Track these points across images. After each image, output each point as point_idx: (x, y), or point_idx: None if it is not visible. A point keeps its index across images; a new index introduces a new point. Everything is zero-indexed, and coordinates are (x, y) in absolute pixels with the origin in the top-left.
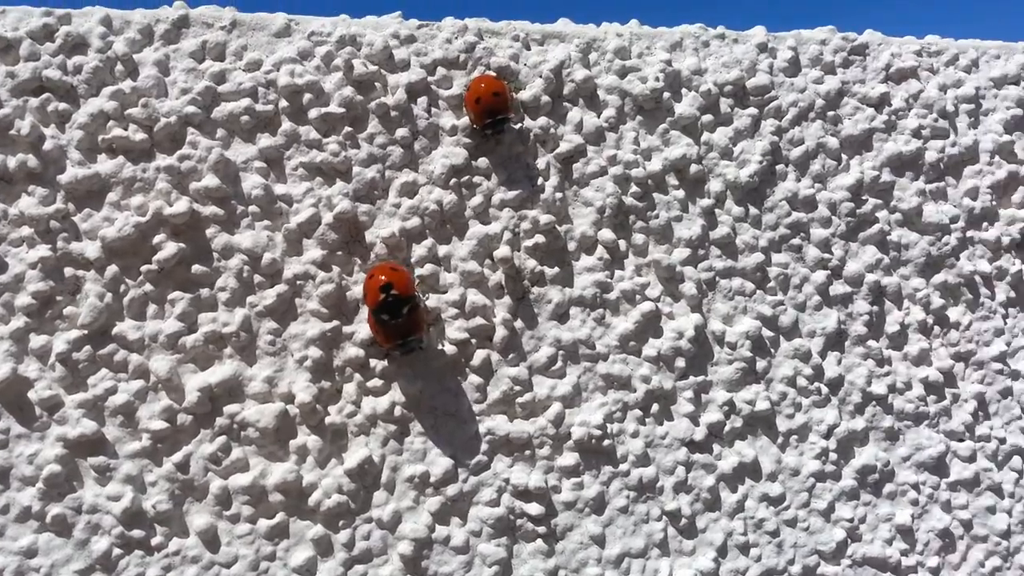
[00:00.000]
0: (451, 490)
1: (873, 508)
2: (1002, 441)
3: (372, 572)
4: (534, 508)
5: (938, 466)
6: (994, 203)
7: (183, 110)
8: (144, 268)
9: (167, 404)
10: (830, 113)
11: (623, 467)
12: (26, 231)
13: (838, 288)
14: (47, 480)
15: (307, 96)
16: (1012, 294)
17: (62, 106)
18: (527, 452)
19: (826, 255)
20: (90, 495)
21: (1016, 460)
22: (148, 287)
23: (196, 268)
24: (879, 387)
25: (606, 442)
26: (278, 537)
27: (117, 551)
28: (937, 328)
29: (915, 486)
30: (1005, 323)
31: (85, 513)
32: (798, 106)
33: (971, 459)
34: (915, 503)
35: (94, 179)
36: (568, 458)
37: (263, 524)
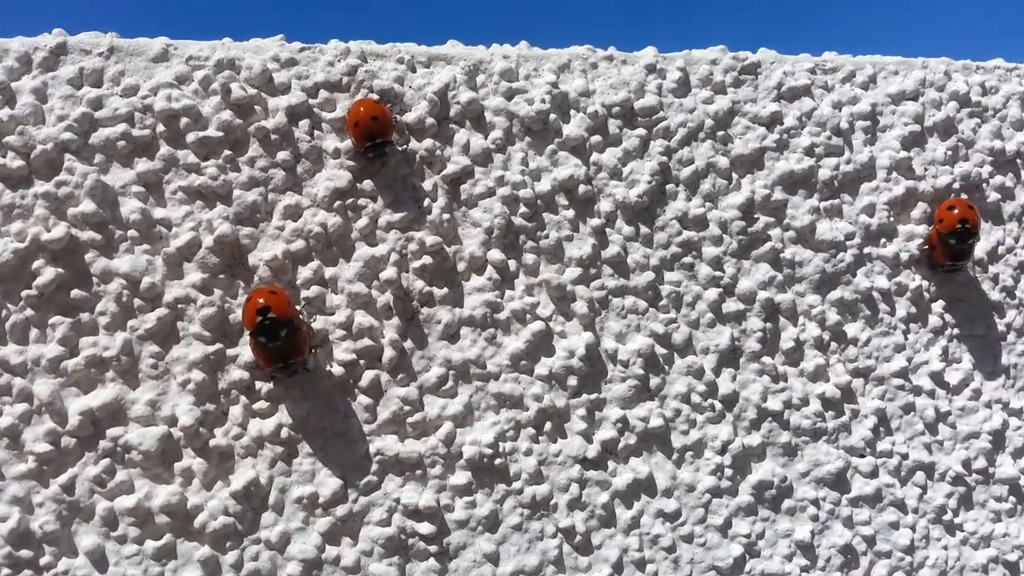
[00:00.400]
0: (341, 510)
1: (772, 524)
2: (904, 456)
3: None
4: (426, 527)
5: (838, 482)
6: (892, 219)
7: (60, 137)
8: (24, 293)
9: (51, 427)
10: (720, 133)
11: (516, 485)
12: None
13: (731, 305)
14: None
15: (184, 120)
16: (913, 309)
17: None
18: (418, 472)
19: (718, 273)
20: None
21: (919, 475)
22: (29, 312)
23: (76, 293)
24: (775, 403)
25: (498, 460)
26: (166, 558)
27: (6, 571)
28: (834, 344)
29: (815, 502)
30: (906, 339)
31: None
32: (687, 126)
33: (873, 475)
34: (815, 519)
35: None
36: (460, 477)
37: (150, 545)
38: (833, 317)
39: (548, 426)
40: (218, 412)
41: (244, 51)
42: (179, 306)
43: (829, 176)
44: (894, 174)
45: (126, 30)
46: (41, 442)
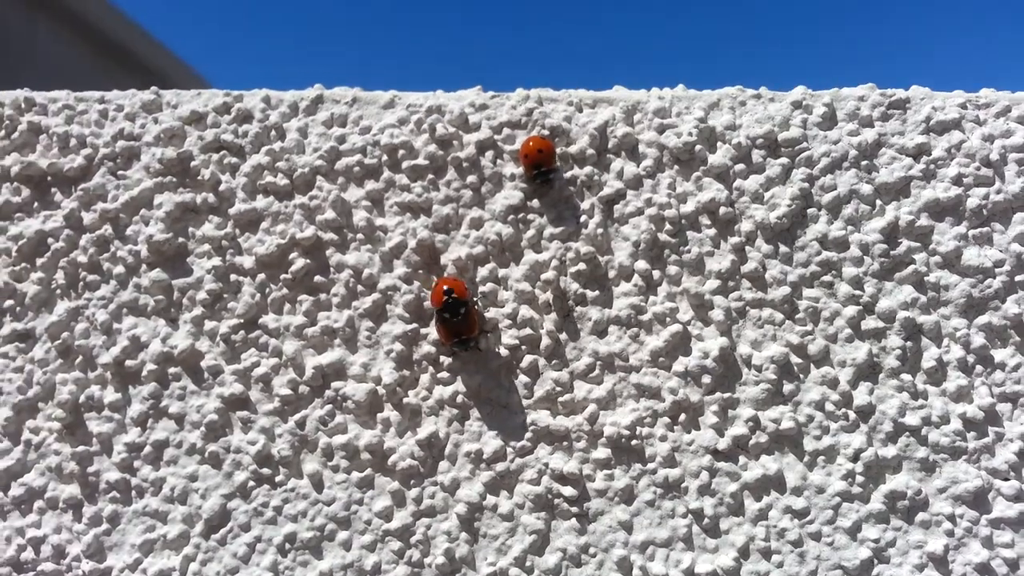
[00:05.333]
0: (500, 467)
1: (904, 534)
2: None
3: (435, 525)
4: (569, 491)
5: (977, 501)
6: None
7: (314, 163)
8: (282, 277)
9: (292, 377)
10: (864, 162)
11: (651, 466)
12: (206, 247)
13: (871, 323)
14: (207, 425)
15: (401, 151)
16: None
17: (234, 160)
18: (565, 443)
19: (857, 292)
20: (236, 439)
21: None
22: (284, 291)
23: (317, 278)
24: (913, 419)
25: (635, 442)
26: (366, 487)
27: (251, 482)
28: (979, 367)
29: (951, 517)
30: None
31: (232, 452)
32: (831, 156)
33: (1017, 498)
34: (950, 534)
35: (253, 212)
36: (601, 452)
37: (355, 475)
38: (979, 340)
39: (683, 417)
40: (412, 377)
41: (449, 99)
42: (388, 292)
43: (977, 205)
44: None
45: (367, 84)
46: (285, 387)
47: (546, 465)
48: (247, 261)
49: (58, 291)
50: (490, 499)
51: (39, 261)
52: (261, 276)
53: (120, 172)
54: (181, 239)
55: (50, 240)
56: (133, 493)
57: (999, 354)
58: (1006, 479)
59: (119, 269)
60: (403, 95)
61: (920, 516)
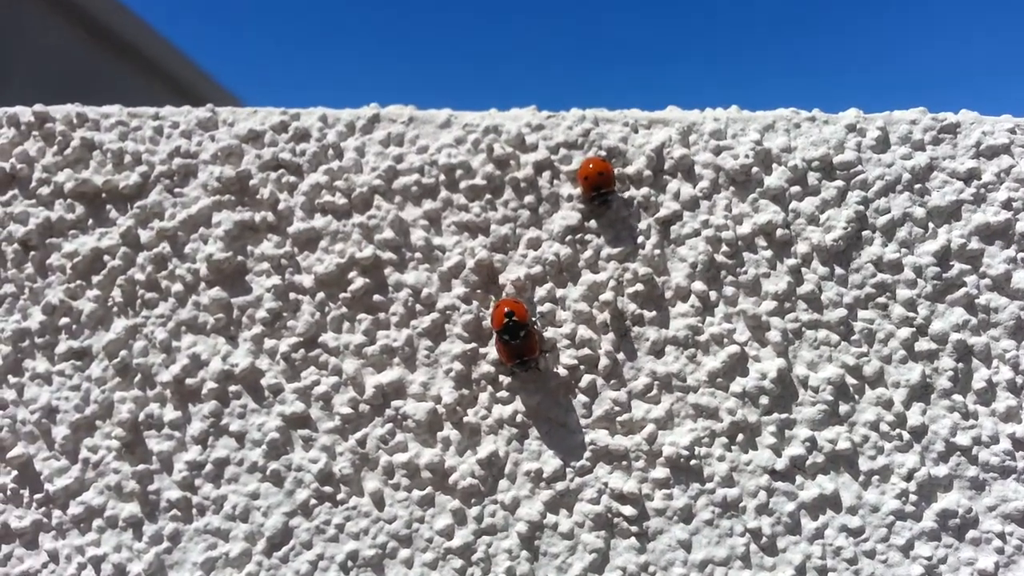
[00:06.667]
0: (559, 486)
1: (955, 551)
2: None
3: (496, 544)
4: (629, 510)
5: None
6: None
7: (372, 182)
8: (341, 296)
9: (353, 396)
10: (917, 186)
11: (709, 485)
12: (265, 265)
13: (923, 345)
14: (269, 443)
15: (459, 171)
16: None
17: (292, 178)
18: (624, 463)
19: (911, 314)
20: (297, 457)
21: None
22: (343, 309)
23: (376, 297)
24: (964, 439)
25: (694, 462)
26: (427, 505)
27: (313, 500)
28: None
29: (1000, 535)
30: None
31: (293, 470)
32: (885, 179)
33: None
34: (1000, 551)
35: (312, 231)
36: (660, 472)
37: (416, 494)
38: None
39: (740, 437)
40: (471, 396)
41: (505, 119)
42: (447, 312)
43: None
44: None
45: (421, 102)
46: (345, 406)
47: (605, 484)
48: (306, 280)
49: (115, 309)
50: (550, 518)
51: (95, 279)
52: (320, 295)
53: (177, 190)
54: (240, 257)
55: (106, 257)
56: (194, 511)
57: None
58: None
59: (177, 287)
60: (459, 114)
61: (971, 534)
